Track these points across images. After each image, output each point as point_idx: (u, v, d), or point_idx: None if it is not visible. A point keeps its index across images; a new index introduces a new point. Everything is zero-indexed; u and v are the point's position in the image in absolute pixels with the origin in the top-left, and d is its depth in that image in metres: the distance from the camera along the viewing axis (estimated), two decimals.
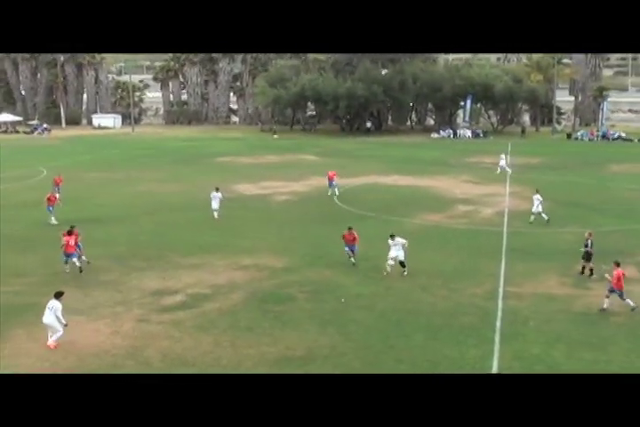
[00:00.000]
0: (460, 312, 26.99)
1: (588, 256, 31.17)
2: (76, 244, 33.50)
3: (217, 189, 45.66)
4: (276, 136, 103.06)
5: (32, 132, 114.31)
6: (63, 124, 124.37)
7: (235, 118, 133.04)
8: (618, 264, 27.14)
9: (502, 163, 65.24)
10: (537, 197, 42.69)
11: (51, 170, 67.78)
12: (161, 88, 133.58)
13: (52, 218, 44.02)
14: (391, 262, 31.02)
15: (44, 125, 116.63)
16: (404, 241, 31.32)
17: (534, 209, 42.65)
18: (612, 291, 26.72)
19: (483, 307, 27.59)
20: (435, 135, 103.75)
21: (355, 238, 32.61)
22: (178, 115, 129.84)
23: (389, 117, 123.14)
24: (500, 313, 26.85)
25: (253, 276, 31.89)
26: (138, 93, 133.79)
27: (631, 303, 26.72)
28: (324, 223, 42.83)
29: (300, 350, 23.27)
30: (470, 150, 77.32)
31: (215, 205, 45.12)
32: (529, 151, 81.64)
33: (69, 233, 33.48)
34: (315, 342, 23.92)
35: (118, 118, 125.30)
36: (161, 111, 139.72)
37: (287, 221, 44.05)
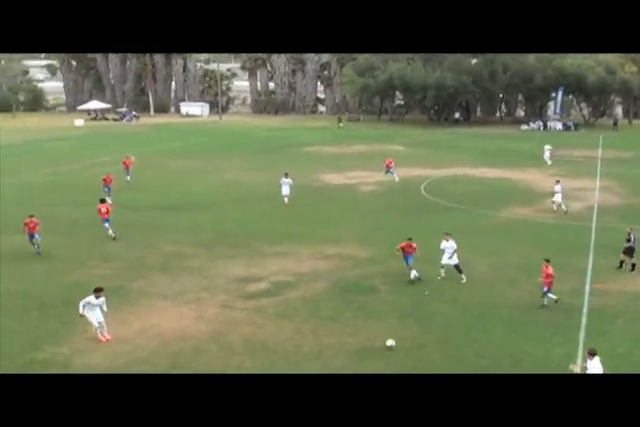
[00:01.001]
0: (546, 308, 26.54)
1: (629, 251, 30.77)
2: (108, 212, 36.89)
3: (286, 175, 46.46)
4: (341, 124, 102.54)
5: (121, 119, 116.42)
6: (151, 112, 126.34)
7: (322, 108, 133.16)
8: (548, 261, 26.64)
9: (547, 154, 64.93)
10: (557, 188, 43.75)
11: (139, 157, 68.98)
12: (249, 77, 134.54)
13: (108, 198, 45.42)
14: (442, 272, 30.04)
15: (133, 113, 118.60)
16: (455, 245, 29.77)
17: (554, 198, 43.84)
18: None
19: (569, 303, 27.05)
20: (524, 127, 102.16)
21: (414, 249, 29.84)
22: (265, 104, 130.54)
23: (478, 108, 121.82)
24: (585, 310, 26.32)
25: (337, 265, 31.93)
26: (225, 82, 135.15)
27: (553, 296, 26.57)
28: (410, 214, 42.65)
29: (381, 342, 23.17)
30: (560, 143, 75.70)
31: (285, 190, 45.90)
32: (621, 145, 79.71)
33: (102, 201, 38.27)
34: (396, 334, 23.80)
35: (206, 107, 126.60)
36: (248, 100, 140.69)
37: (372, 212, 43.95)
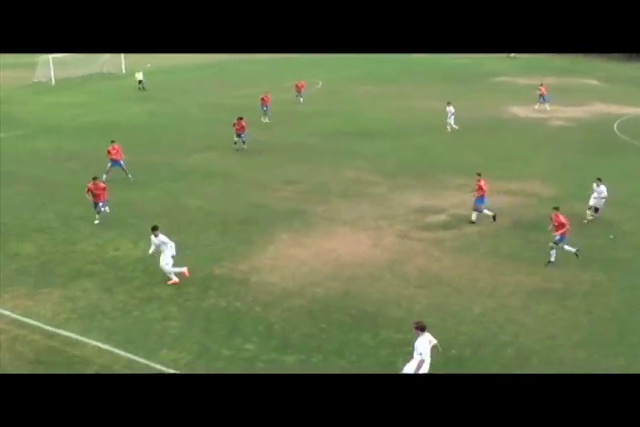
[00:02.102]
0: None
1: None
2: (242, 128, 40.12)
3: (449, 104, 46.75)
4: (512, 55, 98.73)
5: None
6: None
7: None
8: (557, 209, 24.37)
9: None
10: None
11: (326, 82, 69.37)
12: None
13: (266, 118, 48.99)
14: (589, 214, 28.80)
15: None
16: (605, 192, 28.42)
17: None
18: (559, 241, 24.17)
19: None
20: None
21: (481, 188, 28.17)
22: None
23: None
24: None
25: (519, 202, 31.18)
26: None
27: (571, 249, 24.37)
28: (600, 154, 40.86)
29: (559, 284, 22.60)
30: None
31: (449, 118, 46.52)
32: None
33: (240, 118, 40.53)
34: (575, 277, 23.11)
35: None
36: None
37: (560, 148, 42.42)
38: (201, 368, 17.30)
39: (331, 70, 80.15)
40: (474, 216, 28.43)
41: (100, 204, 27.93)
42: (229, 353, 18.16)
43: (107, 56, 79.44)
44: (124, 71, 77.42)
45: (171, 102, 58.34)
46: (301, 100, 58.19)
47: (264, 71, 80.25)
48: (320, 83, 69.46)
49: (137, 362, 17.70)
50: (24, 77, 73.44)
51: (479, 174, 28.52)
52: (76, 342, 18.73)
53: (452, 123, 46.27)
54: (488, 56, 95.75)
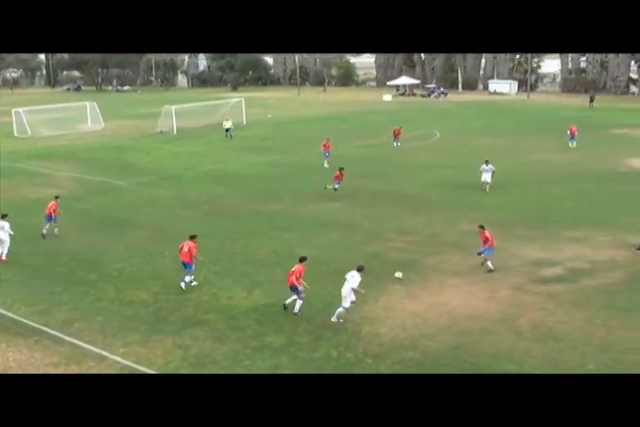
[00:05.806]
0: None
1: None
2: (339, 177, 41.72)
3: (487, 162, 44.13)
4: (593, 104, 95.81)
5: (428, 95, 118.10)
6: (459, 89, 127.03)
7: (634, 88, 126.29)
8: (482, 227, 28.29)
9: None
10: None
11: (444, 133, 69.52)
12: (560, 54, 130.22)
13: (325, 162, 51.83)
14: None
15: (441, 89, 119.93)
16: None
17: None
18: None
19: None
20: None
21: (487, 239, 28.28)
22: (574, 83, 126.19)
23: None
24: None
25: (637, 255, 30.45)
26: (536, 60, 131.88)
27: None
28: None
29: None
30: None
31: (485, 177, 43.86)
32: None
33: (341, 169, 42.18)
34: None
35: (514, 84, 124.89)
36: (558, 79, 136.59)
37: None
38: None
39: (446, 121, 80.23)
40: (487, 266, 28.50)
41: None
42: None
43: (228, 107, 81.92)
44: (244, 122, 79.44)
45: (290, 153, 59.65)
46: (399, 144, 61.28)
47: (382, 121, 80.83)
48: (438, 134, 69.64)
49: None
50: (149, 127, 76.91)
51: (482, 226, 28.78)
52: None
53: (489, 180, 43.98)
54: (611, 107, 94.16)
